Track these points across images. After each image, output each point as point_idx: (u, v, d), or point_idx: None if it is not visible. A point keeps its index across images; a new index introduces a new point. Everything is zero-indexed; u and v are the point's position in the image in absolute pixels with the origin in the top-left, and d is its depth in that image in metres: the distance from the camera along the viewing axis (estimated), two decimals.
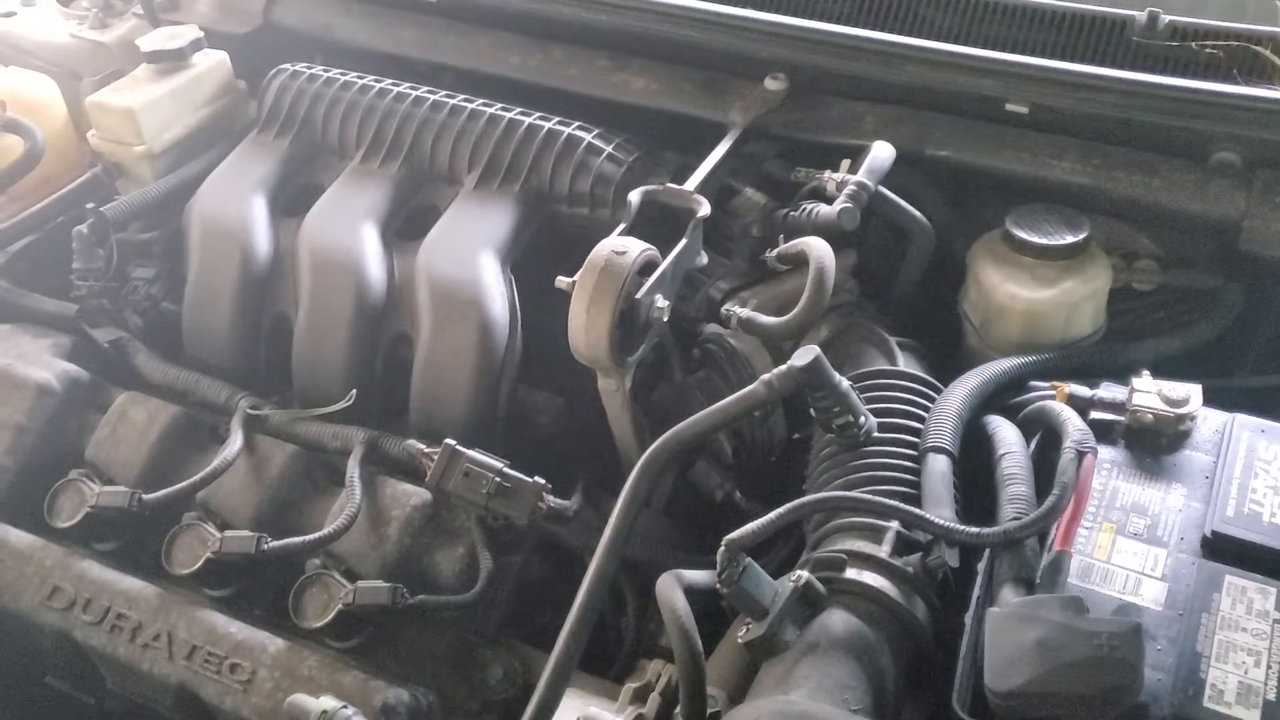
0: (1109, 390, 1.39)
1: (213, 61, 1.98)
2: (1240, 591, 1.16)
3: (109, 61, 2.16)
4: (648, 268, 1.49)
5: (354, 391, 1.63)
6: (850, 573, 1.23)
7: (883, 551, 1.25)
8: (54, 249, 1.84)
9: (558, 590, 1.49)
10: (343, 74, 1.90)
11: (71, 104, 2.10)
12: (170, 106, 1.91)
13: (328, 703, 1.25)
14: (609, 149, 1.74)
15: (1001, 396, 1.46)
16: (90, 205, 1.75)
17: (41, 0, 2.35)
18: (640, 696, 1.30)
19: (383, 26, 2.09)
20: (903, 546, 1.27)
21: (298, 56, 2.00)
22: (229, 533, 1.46)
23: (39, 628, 1.49)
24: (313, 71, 1.91)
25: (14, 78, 2.08)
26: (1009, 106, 1.71)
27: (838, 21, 1.84)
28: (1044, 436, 1.36)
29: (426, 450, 1.49)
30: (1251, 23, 1.71)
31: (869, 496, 1.27)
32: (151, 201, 1.83)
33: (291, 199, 1.82)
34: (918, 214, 1.64)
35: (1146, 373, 1.38)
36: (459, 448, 1.45)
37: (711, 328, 1.63)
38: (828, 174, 1.64)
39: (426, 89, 1.85)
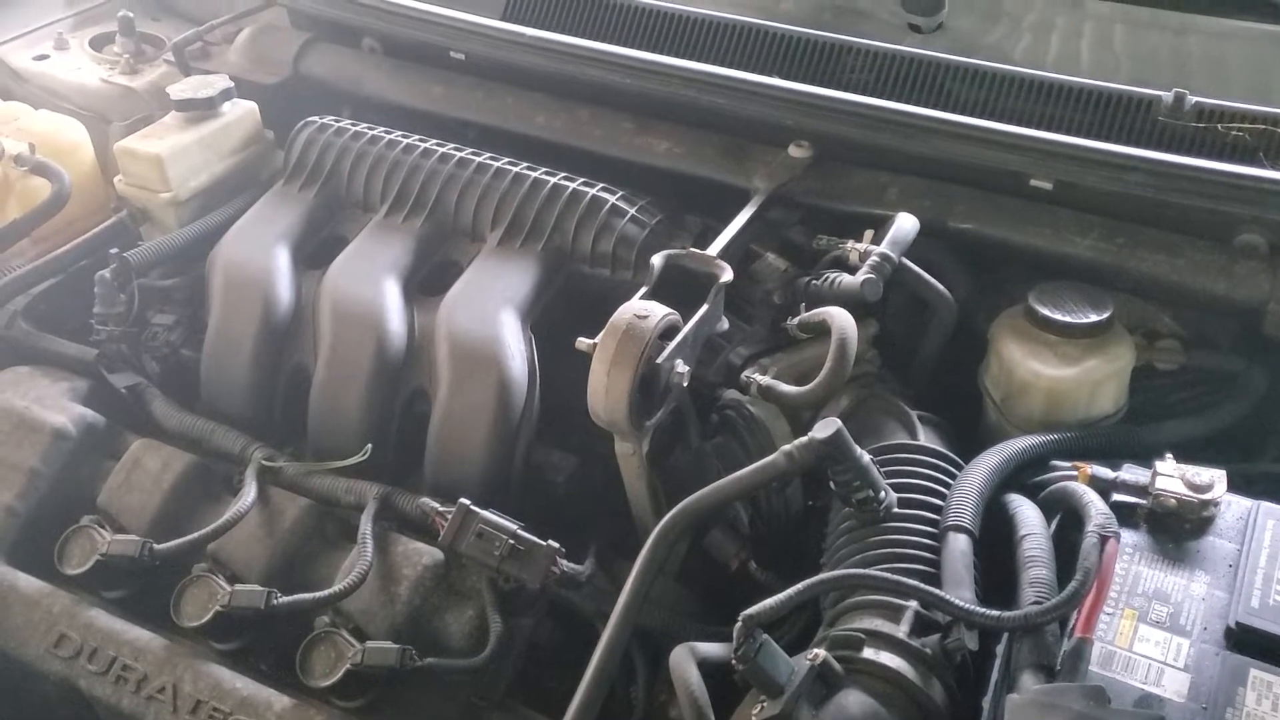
0: (1132, 472, 1.37)
1: (241, 111, 2.00)
2: (1266, 686, 1.14)
3: (139, 107, 2.19)
4: (669, 332, 1.48)
5: (369, 446, 1.62)
6: (868, 652, 1.21)
7: (901, 631, 1.24)
8: (76, 292, 1.84)
9: (568, 656, 1.47)
10: (370, 128, 1.91)
11: (100, 148, 2.12)
12: (198, 154, 1.92)
13: None
14: (632, 211, 1.75)
15: (1022, 475, 1.45)
16: (114, 250, 1.76)
17: (74, 44, 2.39)
18: None
19: (411, 82, 2.10)
20: (921, 627, 1.25)
21: (326, 108, 2.02)
22: (239, 586, 1.45)
23: (44, 675, 1.48)
24: (340, 124, 1.92)
25: (44, 120, 2.11)
26: (1033, 182, 1.71)
27: (863, 92, 1.84)
28: (1065, 517, 1.35)
29: (441, 509, 1.48)
30: (1277, 106, 1.71)
31: (888, 575, 1.25)
32: (175, 248, 1.84)
33: (315, 250, 1.83)
34: (940, 287, 1.64)
35: (1170, 456, 1.36)
36: (473, 508, 1.44)
37: (730, 394, 1.62)
38: (851, 243, 1.64)
39: (452, 145, 1.87)
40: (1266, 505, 1.33)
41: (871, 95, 1.83)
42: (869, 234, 1.65)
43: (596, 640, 1.28)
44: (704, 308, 1.54)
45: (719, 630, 1.33)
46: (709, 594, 1.57)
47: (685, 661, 1.21)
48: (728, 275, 1.59)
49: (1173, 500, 1.32)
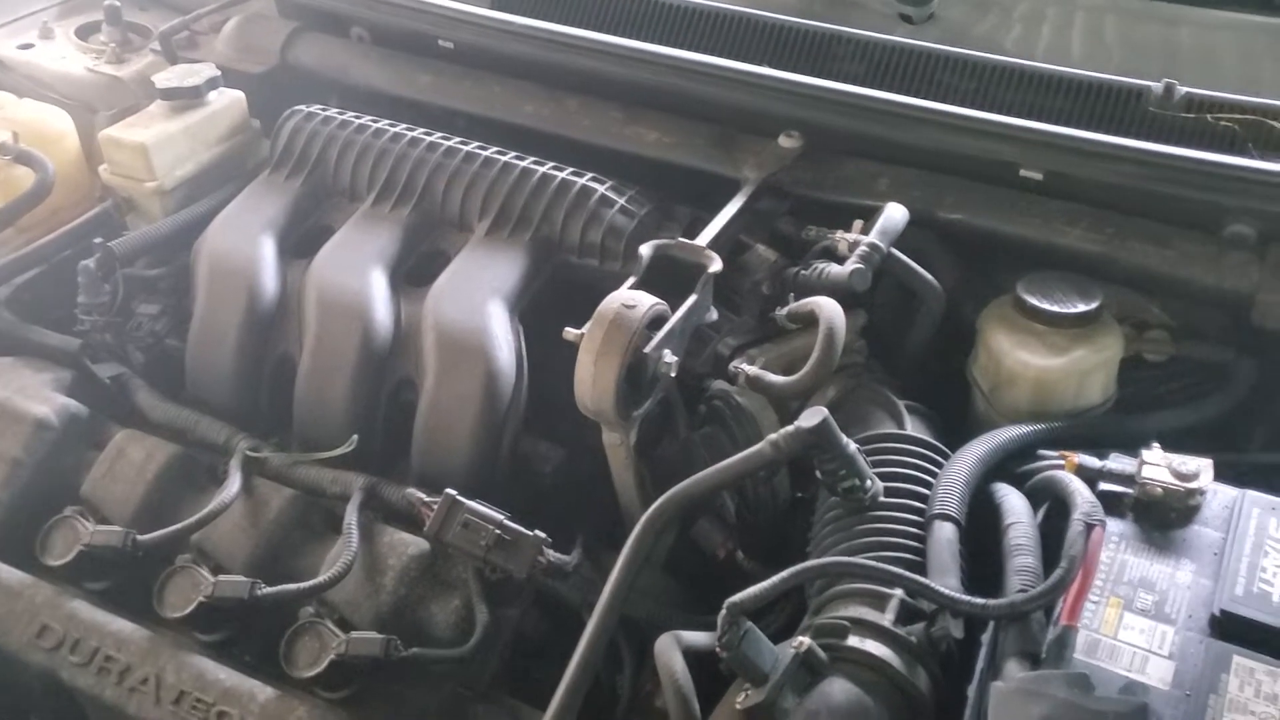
0: (1118, 462, 1.37)
1: (228, 100, 1.99)
2: (1249, 673, 1.14)
3: (124, 96, 2.18)
4: (657, 322, 1.48)
5: (355, 436, 1.61)
6: (853, 640, 1.21)
7: (886, 620, 1.23)
8: (60, 282, 1.83)
9: (554, 646, 1.47)
10: (357, 117, 1.90)
11: (85, 137, 2.10)
12: (183, 143, 1.91)
13: None
14: (621, 201, 1.74)
15: (1009, 464, 1.44)
16: (98, 240, 1.75)
17: (59, 33, 2.37)
18: None
19: (398, 71, 2.09)
20: (907, 615, 1.25)
21: (313, 97, 2.01)
22: (222, 577, 1.44)
23: (26, 666, 1.47)
24: (327, 113, 1.91)
25: (28, 109, 2.09)
26: (1023, 172, 1.70)
27: (854, 82, 1.83)
28: (1051, 506, 1.35)
29: (426, 499, 1.47)
30: (1267, 96, 1.71)
31: (874, 563, 1.25)
32: (160, 238, 1.83)
33: (301, 240, 1.82)
34: (929, 277, 1.63)
35: (1156, 445, 1.36)
36: (459, 498, 1.44)
37: (718, 384, 1.61)
38: (840, 234, 1.64)
39: (440, 135, 1.86)
40: (1252, 494, 1.33)
41: (862, 85, 1.82)
42: (858, 224, 1.64)
43: (583, 630, 1.28)
44: (692, 298, 1.54)
45: (705, 619, 1.33)
46: (695, 584, 1.57)
47: (670, 650, 1.21)
48: (716, 265, 1.58)
49: (1159, 489, 1.31)
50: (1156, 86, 1.73)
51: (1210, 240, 1.62)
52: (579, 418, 1.50)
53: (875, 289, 1.61)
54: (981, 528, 1.35)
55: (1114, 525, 1.30)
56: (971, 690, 1.19)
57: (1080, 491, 1.28)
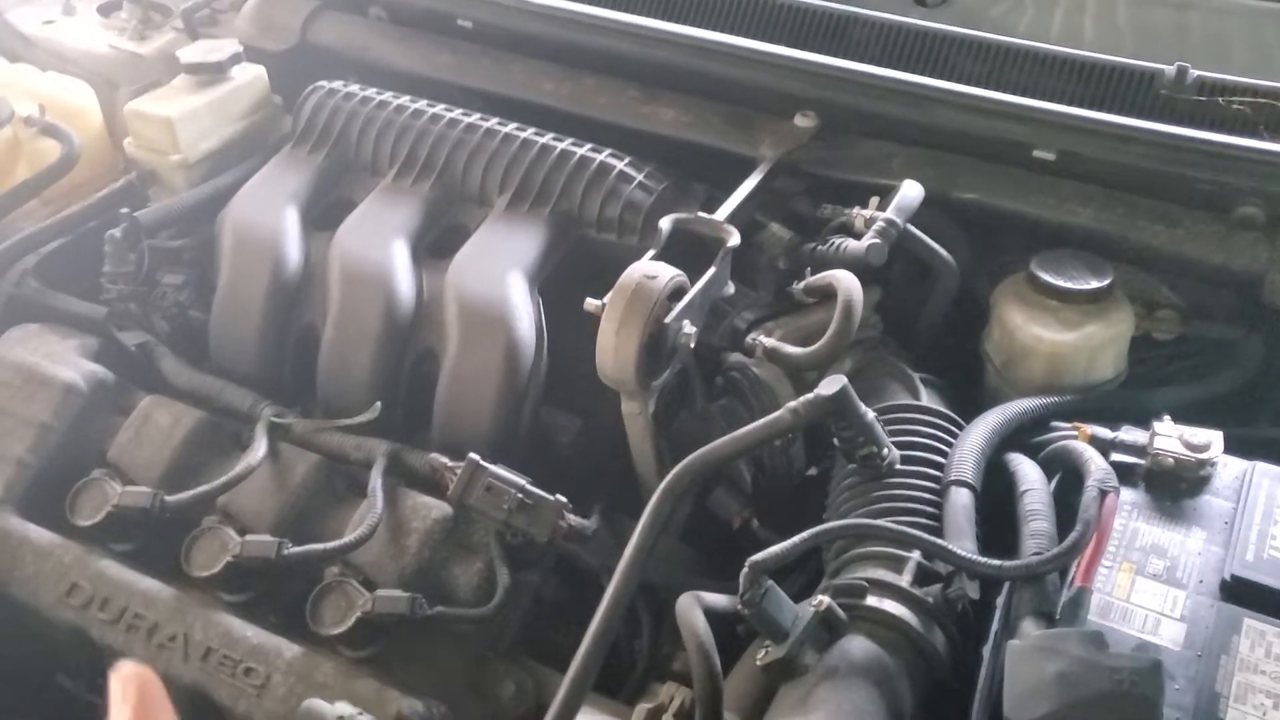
0: (1130, 433, 1.40)
1: (250, 76, 2.01)
2: (1259, 635, 1.17)
3: (146, 72, 2.19)
4: (677, 293, 1.50)
5: (378, 404, 1.64)
6: (871, 600, 1.24)
7: (904, 580, 1.26)
8: (86, 252, 1.85)
9: (573, 611, 1.50)
10: (378, 93, 1.92)
11: (107, 112, 2.12)
12: (207, 118, 1.93)
13: (343, 708, 1.26)
14: (639, 177, 1.76)
15: (1022, 436, 1.47)
16: (124, 210, 1.77)
17: (81, 10, 2.39)
18: (654, 717, 1.31)
19: (418, 50, 2.11)
20: (924, 577, 1.28)
21: (333, 75, 2.02)
22: (250, 537, 1.46)
23: (55, 624, 1.49)
24: (349, 89, 1.93)
25: (53, 83, 2.11)
26: (1036, 153, 1.72)
27: (869, 63, 1.85)
28: (1064, 477, 1.38)
29: (449, 464, 1.50)
30: (1279, 81, 1.73)
31: (892, 525, 1.28)
32: (184, 209, 1.85)
33: (323, 213, 1.84)
34: (944, 253, 1.66)
35: (1168, 417, 1.39)
36: (482, 463, 1.46)
37: (735, 357, 1.64)
38: (856, 210, 1.66)
39: (460, 110, 1.88)
40: (1262, 465, 1.36)
41: (877, 67, 1.84)
42: (875, 201, 1.67)
43: (601, 596, 1.29)
44: (711, 270, 1.56)
45: (722, 585, 1.35)
46: (711, 553, 1.59)
47: (691, 608, 1.23)
48: (735, 239, 1.60)
49: (1170, 460, 1.34)
50: (1169, 70, 1.74)
51: (1220, 221, 1.64)
52: (597, 389, 1.52)
53: (890, 265, 1.64)
54: (996, 502, 1.37)
55: (1126, 494, 1.33)
56: (987, 650, 1.22)
57: (1094, 460, 1.31)
